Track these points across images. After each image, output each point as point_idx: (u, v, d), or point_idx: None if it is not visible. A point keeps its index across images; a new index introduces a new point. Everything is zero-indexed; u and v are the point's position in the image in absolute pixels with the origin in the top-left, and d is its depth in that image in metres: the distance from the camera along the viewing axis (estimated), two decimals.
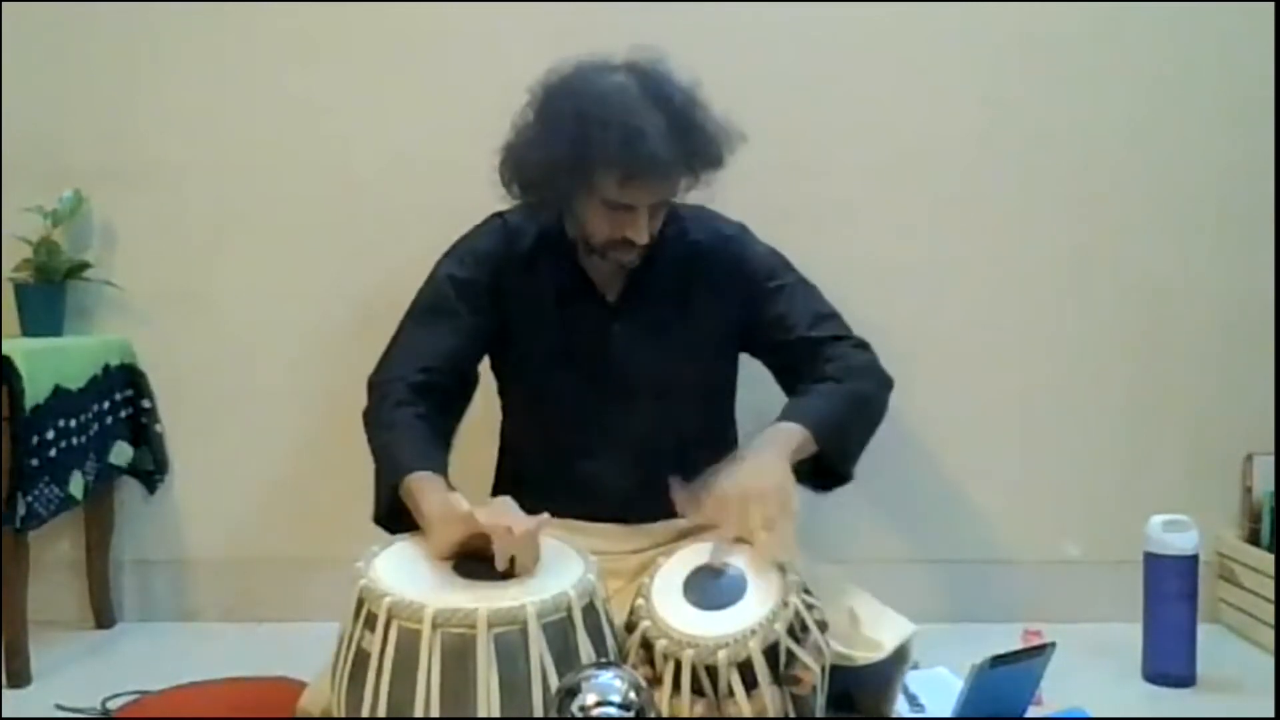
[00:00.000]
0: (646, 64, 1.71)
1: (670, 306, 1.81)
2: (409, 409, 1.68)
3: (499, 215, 1.87)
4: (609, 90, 1.66)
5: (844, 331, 1.82)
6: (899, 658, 1.54)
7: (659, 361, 1.80)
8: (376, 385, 1.76)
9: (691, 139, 1.69)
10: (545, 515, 1.48)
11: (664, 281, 1.82)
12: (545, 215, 1.83)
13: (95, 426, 2.11)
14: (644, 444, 1.79)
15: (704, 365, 1.85)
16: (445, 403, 1.75)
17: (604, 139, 1.61)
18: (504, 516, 1.45)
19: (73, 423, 2.03)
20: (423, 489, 1.54)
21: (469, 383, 1.83)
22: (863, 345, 1.81)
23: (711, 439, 1.84)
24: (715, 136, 1.72)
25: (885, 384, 1.80)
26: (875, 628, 1.53)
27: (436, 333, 1.77)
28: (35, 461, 1.93)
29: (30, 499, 1.91)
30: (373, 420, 1.72)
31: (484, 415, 1.89)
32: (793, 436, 1.62)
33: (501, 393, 1.89)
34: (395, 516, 1.58)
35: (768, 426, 1.66)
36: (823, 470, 1.69)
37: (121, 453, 2.20)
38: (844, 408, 1.71)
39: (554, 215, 1.82)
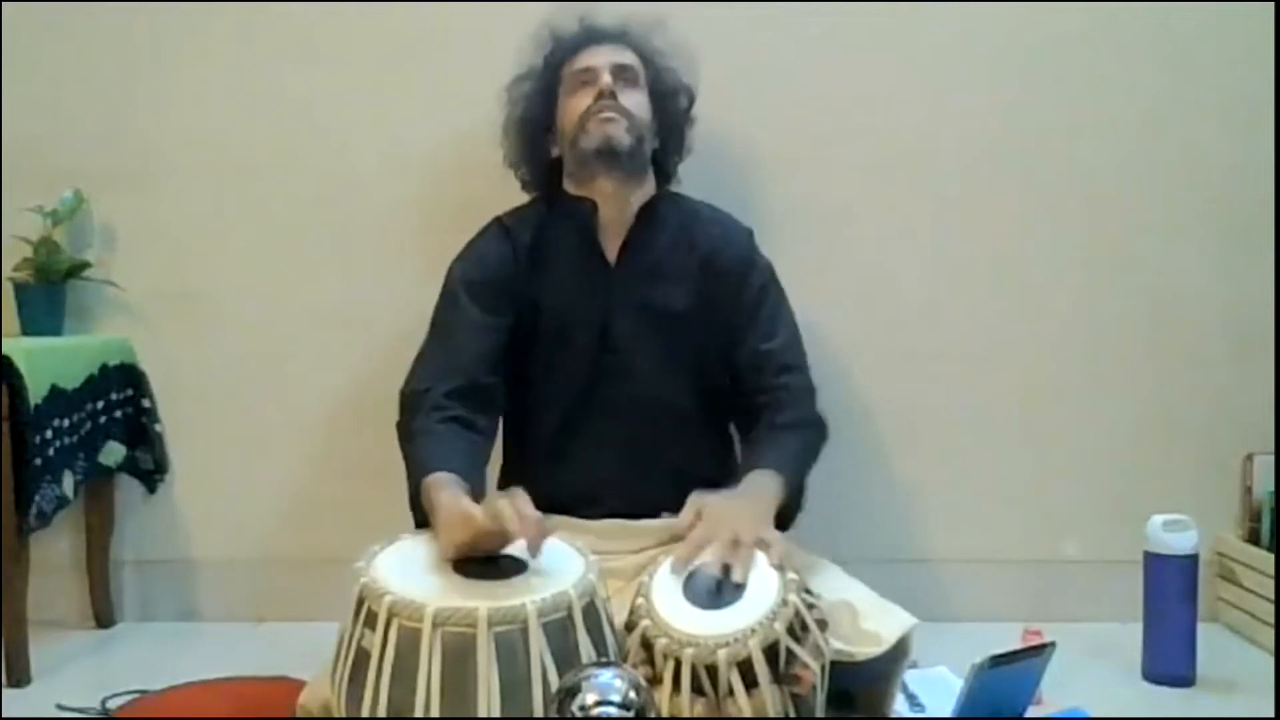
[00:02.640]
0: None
1: (670, 279, 1.85)
2: (438, 415, 1.71)
3: (498, 218, 1.92)
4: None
5: (803, 368, 1.87)
6: (899, 652, 1.54)
7: (655, 331, 1.83)
8: (408, 396, 1.78)
9: (631, 31, 1.89)
10: (553, 519, 1.49)
11: (666, 252, 1.86)
12: (543, 202, 1.92)
13: (87, 425, 2.11)
14: (640, 420, 1.82)
15: (699, 343, 1.86)
16: (480, 403, 1.77)
17: (557, 35, 1.88)
18: (507, 509, 1.44)
19: (66, 422, 2.03)
20: (437, 491, 1.55)
21: (499, 380, 1.84)
22: (811, 390, 1.86)
23: (706, 422, 1.88)
24: (654, 38, 1.90)
25: (825, 437, 1.85)
26: (874, 621, 1.53)
27: (460, 338, 1.81)
28: (38, 461, 1.93)
29: (38, 499, 1.93)
30: (404, 430, 1.75)
31: None
32: (772, 487, 1.67)
33: (507, 384, 1.89)
34: (428, 521, 1.58)
35: (746, 472, 1.71)
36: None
37: (111, 453, 2.19)
38: (802, 461, 1.78)
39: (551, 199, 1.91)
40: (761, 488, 1.66)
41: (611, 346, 1.82)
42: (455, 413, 1.72)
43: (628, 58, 1.86)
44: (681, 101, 1.92)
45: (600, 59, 1.84)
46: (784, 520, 1.71)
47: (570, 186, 1.88)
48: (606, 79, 1.81)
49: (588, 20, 1.88)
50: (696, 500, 1.58)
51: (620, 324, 1.83)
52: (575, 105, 1.83)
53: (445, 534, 1.48)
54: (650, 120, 1.86)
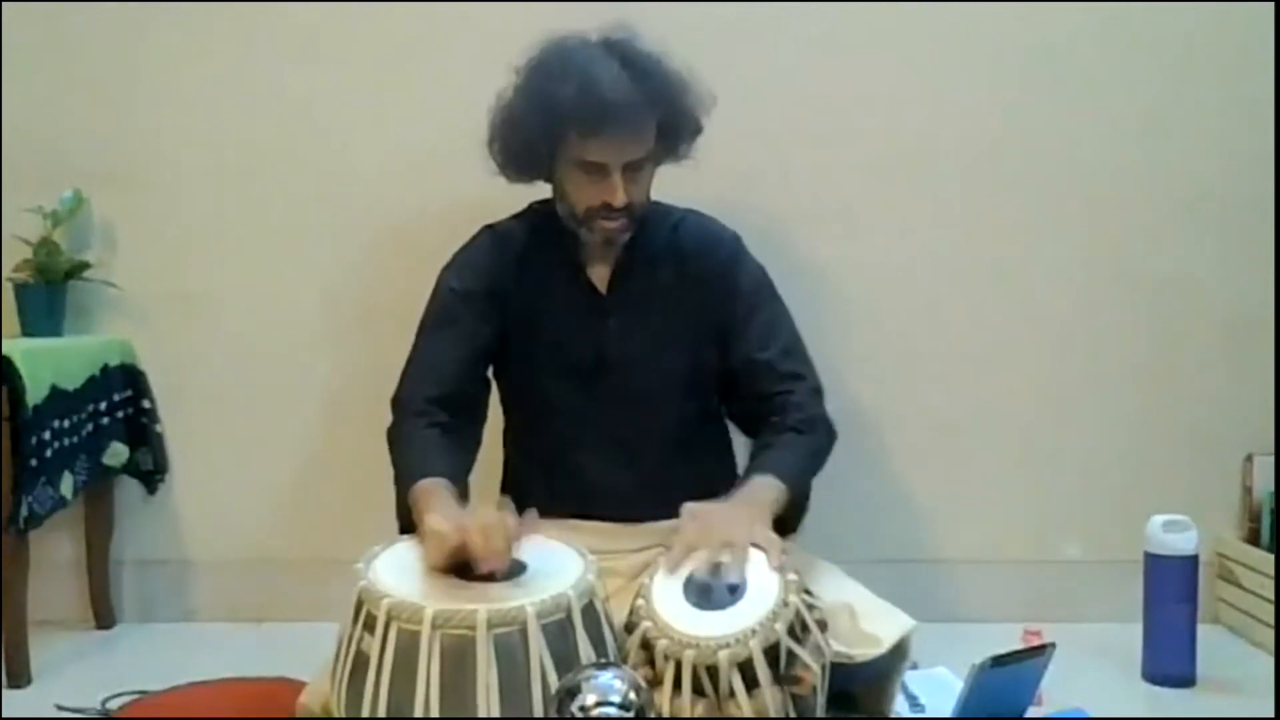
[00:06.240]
0: (613, 32, 1.77)
1: (662, 300, 1.84)
2: (425, 420, 1.71)
3: (488, 227, 1.91)
4: (571, 49, 1.75)
5: (807, 370, 1.84)
6: (898, 654, 1.54)
7: (652, 354, 1.82)
8: (397, 403, 1.78)
9: (655, 90, 1.73)
10: (530, 512, 1.48)
11: (655, 273, 1.84)
12: (534, 216, 1.89)
13: (90, 426, 2.11)
14: (639, 438, 1.81)
15: (696, 360, 1.85)
16: (465, 411, 1.78)
17: (563, 91, 1.68)
18: (463, 519, 1.43)
19: (66, 423, 2.03)
20: (425, 499, 1.54)
21: (484, 389, 1.85)
22: (818, 391, 1.83)
23: (705, 436, 1.88)
24: (680, 88, 1.77)
25: (833, 439, 1.81)
26: (874, 623, 1.53)
27: (447, 345, 1.80)
28: (34, 462, 1.93)
29: (30, 499, 1.92)
30: (392, 437, 1.74)
31: (491, 420, 1.89)
32: (770, 492, 1.64)
33: (503, 396, 1.90)
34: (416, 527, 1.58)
35: (748, 478, 1.68)
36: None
37: (116, 453, 2.19)
38: (807, 465, 1.75)
39: (542, 215, 1.87)
40: (758, 492, 1.64)
41: (609, 368, 1.81)
42: (438, 419, 1.71)
43: (639, 145, 1.74)
44: (687, 133, 1.83)
45: (613, 155, 1.71)
46: (788, 525, 1.70)
47: (560, 212, 1.83)
48: (621, 196, 1.72)
49: (595, 94, 1.67)
50: (690, 508, 1.56)
51: (617, 348, 1.82)
52: (579, 194, 1.76)
53: (430, 547, 1.46)
54: (651, 178, 1.82)
